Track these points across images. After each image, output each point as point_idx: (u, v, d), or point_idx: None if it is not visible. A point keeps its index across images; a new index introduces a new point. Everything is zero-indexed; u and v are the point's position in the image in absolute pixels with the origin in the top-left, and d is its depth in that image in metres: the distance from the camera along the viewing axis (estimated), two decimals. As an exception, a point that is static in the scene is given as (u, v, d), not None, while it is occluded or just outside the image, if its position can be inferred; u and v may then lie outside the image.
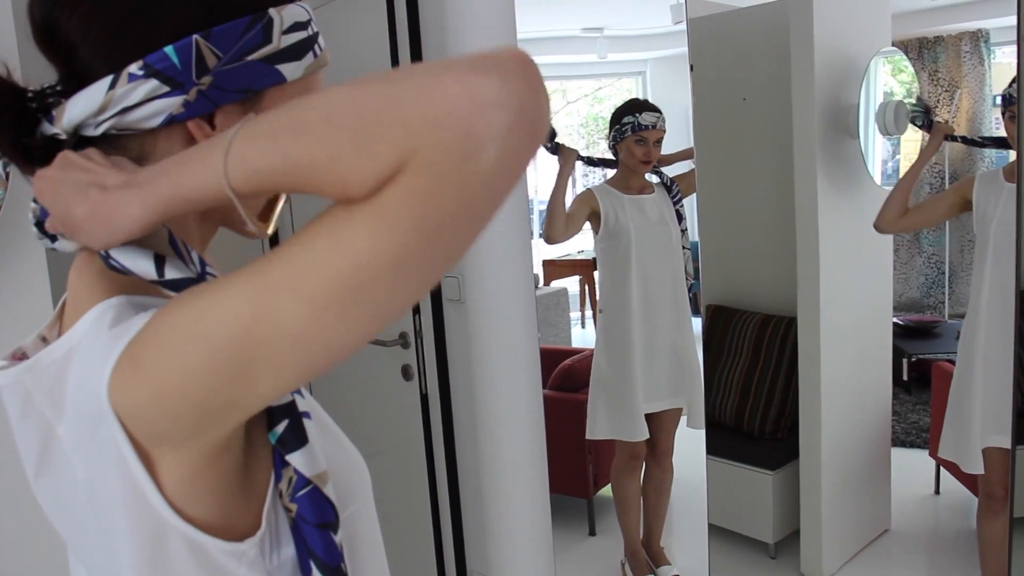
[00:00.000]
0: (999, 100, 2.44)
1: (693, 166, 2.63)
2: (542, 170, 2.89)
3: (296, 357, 0.58)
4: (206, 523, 0.67)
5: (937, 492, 3.31)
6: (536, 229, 2.97)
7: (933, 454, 3.05)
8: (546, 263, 3.06)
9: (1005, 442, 2.28)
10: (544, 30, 2.67)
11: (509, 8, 2.23)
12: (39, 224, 0.72)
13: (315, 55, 0.75)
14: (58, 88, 0.72)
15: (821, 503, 2.78)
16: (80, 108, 0.69)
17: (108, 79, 0.68)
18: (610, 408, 2.65)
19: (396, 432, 2.74)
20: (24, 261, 1.80)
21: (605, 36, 2.78)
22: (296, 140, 0.53)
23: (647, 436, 2.62)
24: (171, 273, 0.66)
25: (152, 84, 0.68)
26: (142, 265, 0.66)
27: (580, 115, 2.99)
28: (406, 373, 2.62)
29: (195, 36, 0.68)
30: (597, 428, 2.67)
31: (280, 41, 0.71)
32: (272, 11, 0.71)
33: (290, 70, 0.73)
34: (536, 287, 2.82)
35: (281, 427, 0.71)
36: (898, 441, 3.58)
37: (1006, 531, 2.34)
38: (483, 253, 2.38)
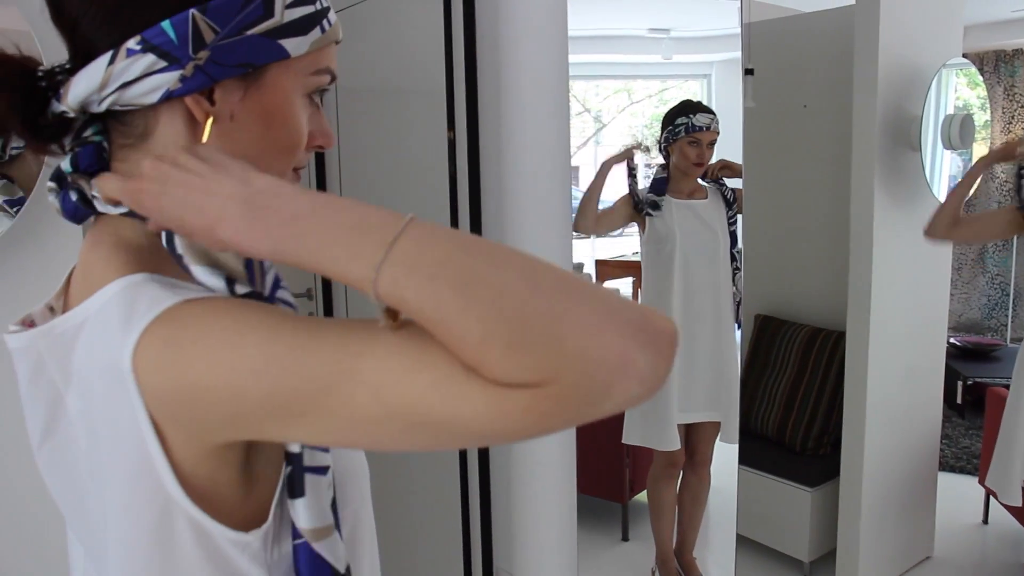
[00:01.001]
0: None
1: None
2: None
3: (343, 435, 0.61)
4: (208, 507, 0.67)
5: (986, 521, 3.21)
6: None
7: (983, 481, 2.96)
8: (599, 263, 3.04)
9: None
10: (609, 28, 2.64)
11: (562, 5, 2.22)
12: (74, 201, 0.74)
13: (323, 30, 0.73)
14: (67, 67, 0.72)
15: (860, 524, 2.71)
16: (83, 85, 0.69)
17: (108, 55, 0.68)
18: (645, 414, 2.62)
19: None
20: (59, 237, 1.84)
21: (671, 37, 2.74)
22: (457, 305, 0.54)
23: (679, 446, 2.58)
24: (240, 290, 0.67)
25: (149, 59, 0.68)
26: (213, 282, 0.67)
27: (644, 115, 2.95)
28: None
29: (192, 10, 0.67)
30: (631, 433, 2.64)
31: (283, 15, 0.70)
32: None
33: (294, 45, 0.72)
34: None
35: (286, 472, 0.72)
36: (947, 466, 3.48)
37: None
38: (525, 251, 2.37)
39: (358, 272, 0.56)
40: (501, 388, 0.53)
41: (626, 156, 2.57)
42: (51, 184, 0.75)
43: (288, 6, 0.70)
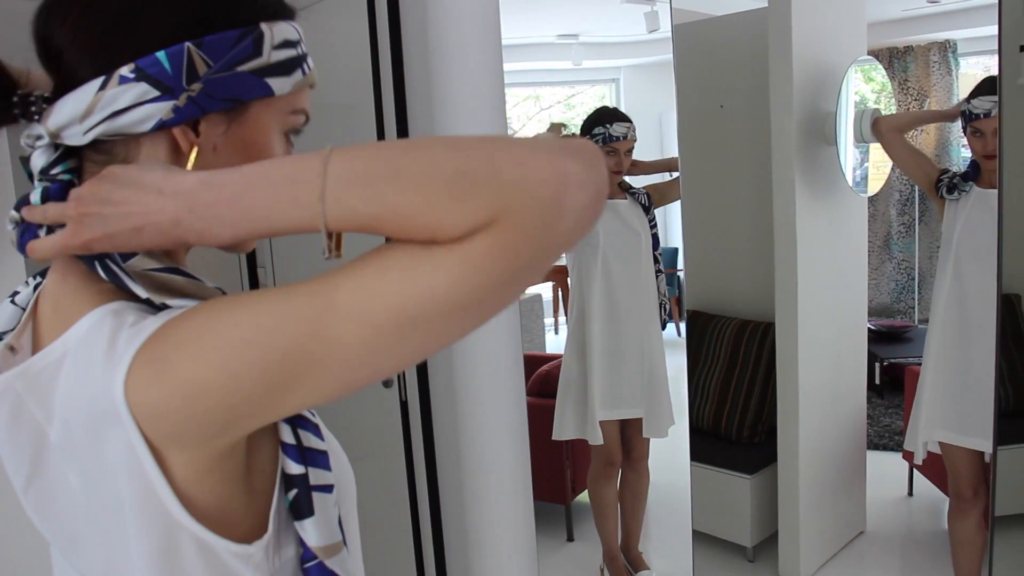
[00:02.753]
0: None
1: (671, 176, 2.64)
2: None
3: (342, 376, 0.62)
4: (211, 524, 0.67)
5: (911, 494, 3.36)
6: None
7: (907, 457, 3.10)
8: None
9: (970, 443, 2.35)
10: (519, 36, 2.66)
11: (493, 13, 2.24)
12: (24, 231, 0.73)
13: (303, 73, 0.77)
14: (45, 96, 0.72)
15: (799, 506, 2.81)
16: (68, 109, 0.70)
17: (99, 80, 0.69)
18: (575, 410, 2.66)
19: (375, 439, 2.73)
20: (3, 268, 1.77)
21: (580, 43, 2.79)
22: (396, 188, 0.58)
23: (601, 441, 2.63)
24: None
25: (142, 88, 0.69)
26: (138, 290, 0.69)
27: (552, 120, 2.99)
28: (385, 380, 2.60)
29: (187, 43, 0.70)
30: (564, 429, 2.68)
31: (270, 56, 0.73)
32: (263, 25, 0.73)
33: (278, 84, 0.75)
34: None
35: (292, 494, 0.74)
36: (872, 444, 3.62)
37: (976, 531, 2.39)
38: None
39: (306, 212, 0.60)
40: (463, 244, 0.57)
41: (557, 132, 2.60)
42: (14, 215, 0.74)
43: (275, 48, 0.74)
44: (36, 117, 0.72)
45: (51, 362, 0.69)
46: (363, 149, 0.60)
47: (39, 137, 0.72)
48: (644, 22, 2.64)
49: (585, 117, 2.62)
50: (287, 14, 0.77)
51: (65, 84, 0.71)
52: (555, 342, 3.16)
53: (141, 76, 0.69)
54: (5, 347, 0.76)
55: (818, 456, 2.87)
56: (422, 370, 2.53)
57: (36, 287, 0.79)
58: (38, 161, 0.73)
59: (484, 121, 2.32)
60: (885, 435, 3.78)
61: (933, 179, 2.41)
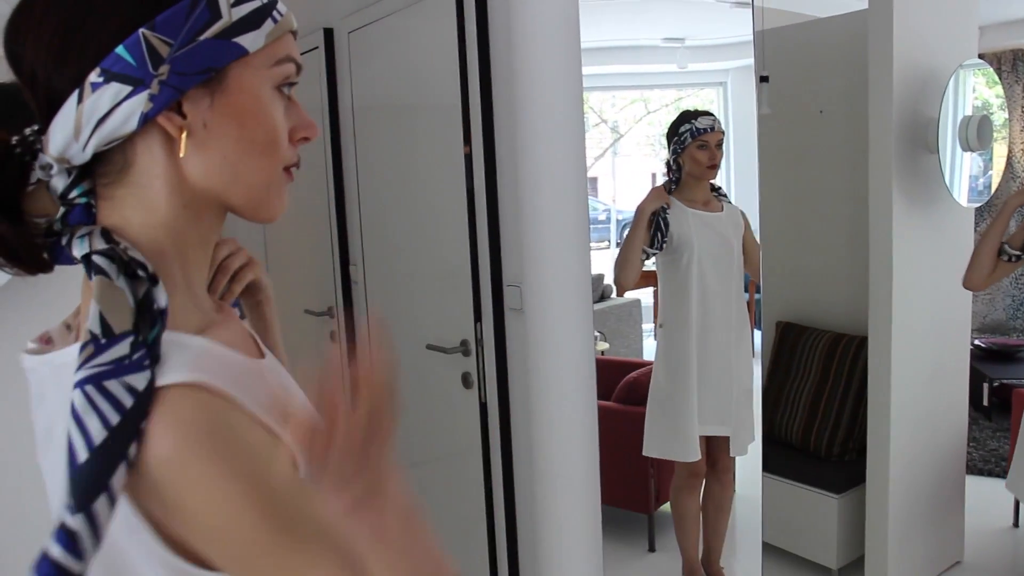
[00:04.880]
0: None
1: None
2: (620, 178, 2.87)
3: None
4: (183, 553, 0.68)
5: (1016, 525, 3.17)
6: (614, 238, 2.95)
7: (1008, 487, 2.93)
8: (618, 274, 3.05)
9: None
10: (625, 39, 2.65)
11: (574, 17, 2.23)
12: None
13: (275, 21, 0.74)
14: (36, 128, 0.72)
15: (888, 530, 2.69)
16: (60, 131, 0.70)
17: (75, 95, 0.69)
18: (665, 427, 2.62)
19: (454, 439, 2.75)
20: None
21: (686, 46, 2.75)
22: None
23: (699, 457, 2.57)
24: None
25: (114, 88, 0.68)
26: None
27: (661, 125, 2.96)
28: (466, 381, 2.62)
29: (141, 30, 0.68)
30: (651, 446, 2.63)
31: (231, 14, 0.71)
32: None
33: (250, 40, 0.72)
34: (608, 297, 2.80)
35: None
36: (975, 469, 3.44)
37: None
38: (543, 263, 2.38)
39: None
40: None
41: (654, 204, 2.58)
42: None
43: (233, 5, 0.71)
44: (39, 148, 0.72)
45: (68, 361, 0.69)
46: None
47: (50, 166, 0.72)
48: (751, 25, 2.59)
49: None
50: None
51: (45, 105, 0.71)
52: (653, 348, 3.13)
53: (109, 76, 0.68)
54: (63, 324, 0.78)
55: (911, 478, 2.74)
56: (502, 372, 2.54)
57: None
58: (56, 187, 0.73)
59: (563, 122, 2.31)
60: (991, 460, 3.58)
61: None
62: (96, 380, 0.63)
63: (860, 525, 2.80)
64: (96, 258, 0.68)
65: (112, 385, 0.63)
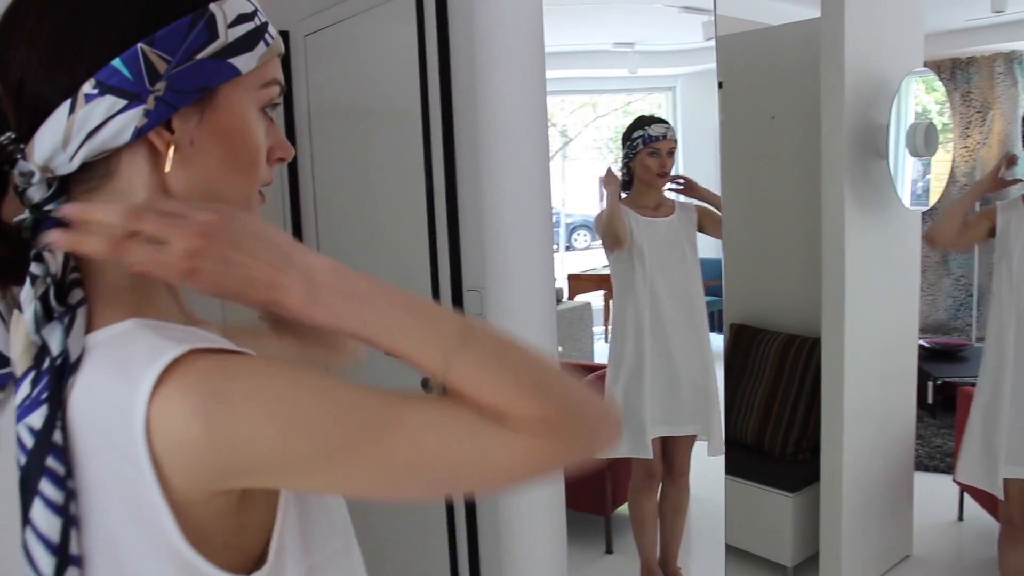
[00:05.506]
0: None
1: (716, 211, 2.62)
2: (570, 182, 2.88)
3: (371, 484, 0.69)
4: (205, 551, 0.67)
5: (961, 518, 3.26)
6: (563, 241, 2.96)
7: (957, 479, 3.02)
8: (571, 277, 3.06)
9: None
10: (575, 43, 2.66)
11: (538, 23, 2.24)
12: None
13: (267, 44, 0.75)
14: (12, 136, 0.70)
15: (841, 526, 2.75)
16: (48, 140, 0.68)
17: (67, 104, 0.68)
18: (625, 427, 2.64)
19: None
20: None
21: (636, 51, 2.77)
22: (503, 377, 0.69)
23: (651, 455, 2.60)
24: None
25: (108, 101, 0.68)
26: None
27: (610, 128, 2.98)
28: (425, 386, 2.61)
29: (140, 44, 0.68)
30: None
31: (227, 35, 0.71)
32: (213, 6, 0.71)
33: (243, 62, 0.73)
34: (560, 301, 2.81)
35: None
36: (921, 465, 3.53)
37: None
38: (505, 268, 2.38)
39: (429, 362, 0.68)
40: (529, 439, 0.67)
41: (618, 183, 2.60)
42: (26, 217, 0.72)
43: (230, 26, 0.72)
44: (20, 156, 0.70)
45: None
46: (491, 340, 0.71)
47: (31, 174, 0.70)
48: (701, 31, 2.62)
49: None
50: None
51: (29, 113, 0.70)
52: (604, 351, 3.15)
53: (104, 89, 0.67)
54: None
55: (863, 476, 2.81)
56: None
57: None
58: (32, 196, 0.71)
59: (526, 127, 2.32)
60: (936, 456, 3.68)
61: (992, 229, 2.40)
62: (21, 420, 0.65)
63: (814, 523, 2.86)
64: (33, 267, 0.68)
65: (28, 423, 0.65)
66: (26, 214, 0.71)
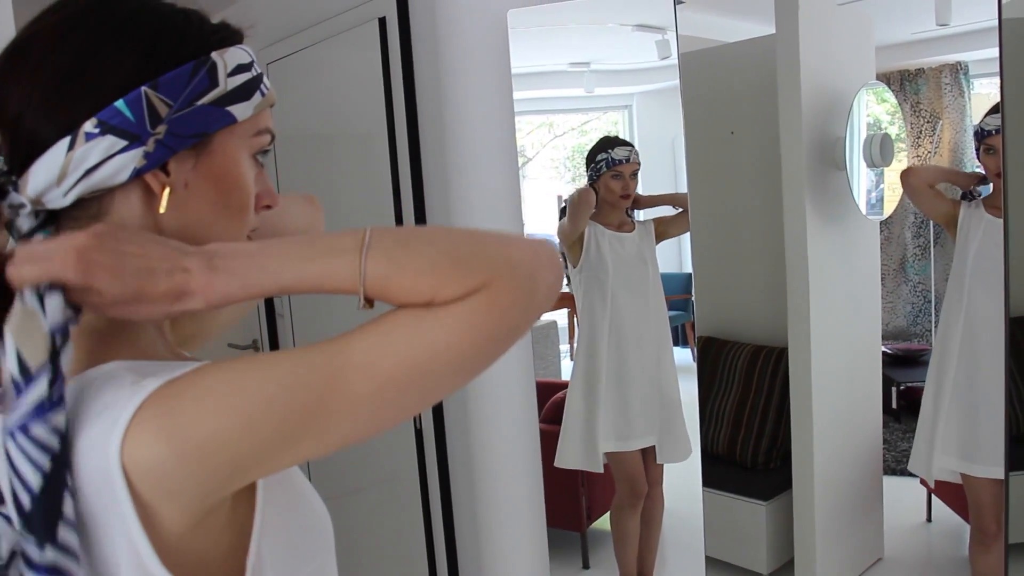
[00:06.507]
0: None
1: (675, 210, 2.65)
2: (528, 201, 2.91)
3: (350, 428, 0.69)
4: None
5: (929, 520, 3.31)
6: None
7: (924, 482, 3.06)
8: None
9: (989, 472, 2.35)
10: (532, 65, 2.69)
11: (503, 46, 2.27)
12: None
13: (262, 94, 0.79)
14: (5, 169, 0.73)
15: (815, 532, 2.78)
16: (43, 175, 0.70)
17: (65, 141, 0.69)
18: (581, 439, 2.68)
19: (389, 466, 2.74)
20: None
21: (592, 70, 2.81)
22: (415, 259, 0.70)
23: (601, 470, 2.65)
24: None
25: (108, 141, 0.70)
26: None
27: (567, 148, 3.02)
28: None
29: (143, 87, 0.70)
30: (565, 457, 2.69)
31: (226, 84, 0.75)
32: (214, 55, 0.74)
33: (240, 110, 0.76)
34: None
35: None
36: (889, 469, 3.57)
37: (999, 563, 2.36)
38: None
39: (344, 281, 0.70)
40: (464, 308, 0.68)
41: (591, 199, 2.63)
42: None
43: (230, 75, 0.75)
44: (12, 188, 0.72)
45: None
46: (392, 230, 0.73)
47: (21, 206, 0.72)
48: (655, 50, 2.67)
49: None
50: (235, 39, 0.78)
51: (24, 147, 0.71)
52: (570, 369, 3.17)
53: (105, 129, 0.69)
54: None
55: (834, 482, 2.85)
56: (435, 398, 2.54)
57: None
58: (21, 226, 0.72)
59: (494, 149, 2.34)
60: (903, 460, 3.72)
61: (953, 216, 2.44)
62: (23, 429, 0.63)
63: (788, 530, 2.89)
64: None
65: (38, 430, 0.64)
66: (11, 243, 0.72)
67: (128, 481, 0.63)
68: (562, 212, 2.66)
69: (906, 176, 2.61)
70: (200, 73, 0.72)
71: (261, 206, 0.83)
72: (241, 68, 0.76)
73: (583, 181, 2.75)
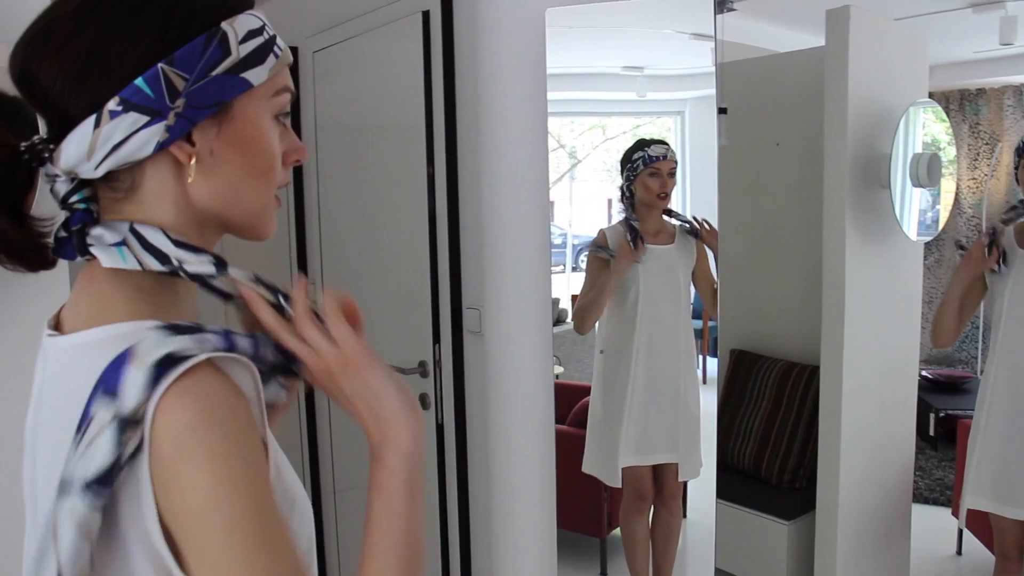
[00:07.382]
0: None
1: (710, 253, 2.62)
2: (577, 203, 2.89)
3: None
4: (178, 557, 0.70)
5: (959, 553, 3.23)
6: (569, 262, 2.97)
7: (956, 513, 2.99)
8: (574, 298, 3.07)
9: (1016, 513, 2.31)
10: (584, 66, 2.68)
11: (541, 43, 2.26)
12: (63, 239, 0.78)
13: (276, 56, 0.80)
14: (45, 137, 0.77)
15: (836, 557, 2.73)
16: (73, 150, 0.73)
17: (92, 119, 0.72)
18: (598, 448, 2.66)
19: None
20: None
21: (645, 75, 2.79)
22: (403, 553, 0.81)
23: (619, 485, 2.62)
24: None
25: (132, 117, 0.72)
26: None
27: (619, 151, 3.00)
28: (423, 401, 2.62)
29: (160, 64, 0.72)
30: (588, 464, 2.68)
31: (239, 51, 0.76)
32: (224, 24, 0.76)
33: (255, 75, 0.78)
34: (563, 322, 2.82)
35: None
36: (921, 498, 3.50)
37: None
38: (504, 287, 2.39)
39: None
40: None
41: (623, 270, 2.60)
42: (59, 224, 0.79)
43: (241, 42, 0.76)
44: (48, 158, 0.76)
45: (65, 348, 0.75)
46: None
47: (57, 176, 0.77)
48: (711, 55, 2.63)
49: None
50: (244, 5, 0.79)
51: (56, 122, 0.75)
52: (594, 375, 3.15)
53: (128, 106, 0.72)
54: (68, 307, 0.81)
55: (860, 506, 2.79)
56: (459, 394, 2.54)
57: None
58: (59, 191, 0.78)
59: (526, 146, 2.34)
60: (936, 489, 3.64)
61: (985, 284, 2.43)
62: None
63: (809, 551, 2.84)
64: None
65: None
66: (61, 214, 0.78)
67: (151, 443, 0.66)
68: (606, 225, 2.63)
69: (936, 343, 2.60)
70: (212, 44, 0.74)
71: (291, 161, 0.86)
72: (252, 34, 0.78)
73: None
